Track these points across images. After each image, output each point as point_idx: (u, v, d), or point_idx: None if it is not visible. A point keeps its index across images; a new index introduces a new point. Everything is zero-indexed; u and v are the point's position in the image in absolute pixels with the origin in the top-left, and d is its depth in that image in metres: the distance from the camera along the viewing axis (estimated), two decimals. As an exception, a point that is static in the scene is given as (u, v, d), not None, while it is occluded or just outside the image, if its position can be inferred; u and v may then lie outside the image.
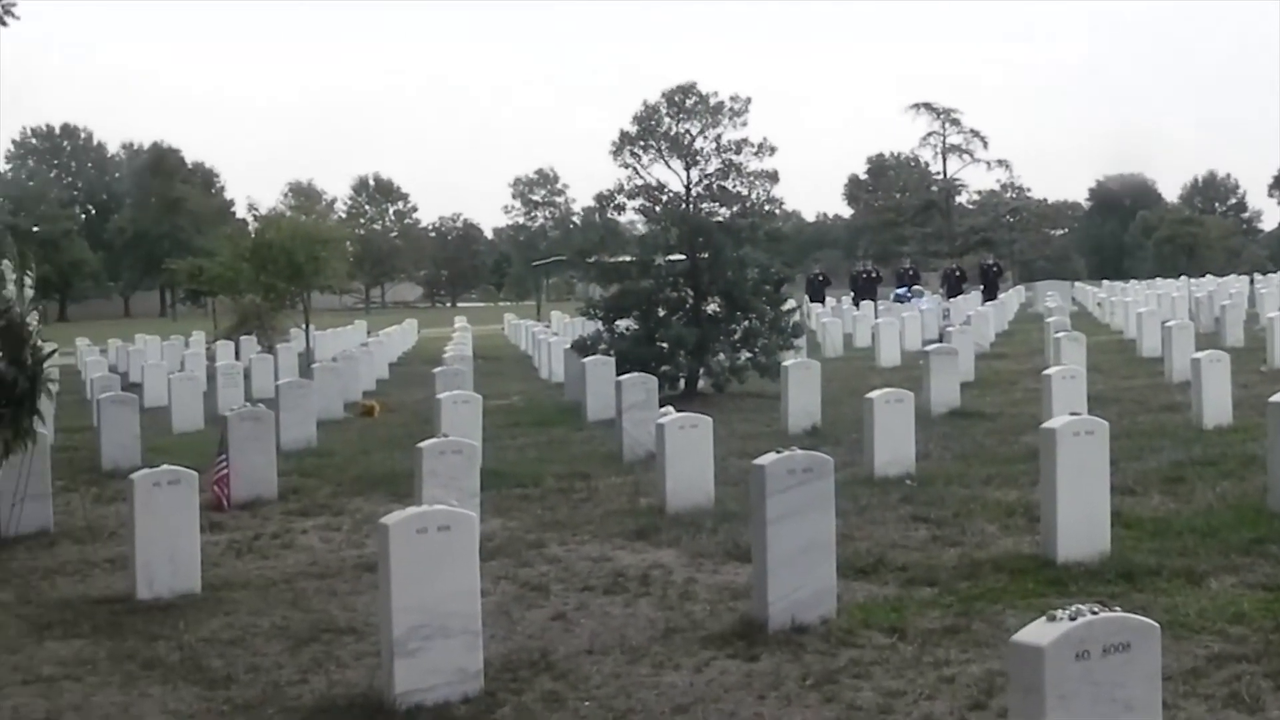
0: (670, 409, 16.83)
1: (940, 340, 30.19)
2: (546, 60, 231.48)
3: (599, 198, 29.23)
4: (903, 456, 16.40)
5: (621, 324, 27.69)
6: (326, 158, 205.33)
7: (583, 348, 27.32)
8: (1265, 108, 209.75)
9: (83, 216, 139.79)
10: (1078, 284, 72.12)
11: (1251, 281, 60.29)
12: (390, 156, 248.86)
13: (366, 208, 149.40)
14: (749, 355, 26.71)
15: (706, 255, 27.32)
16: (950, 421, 21.11)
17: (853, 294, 60.63)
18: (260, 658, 9.85)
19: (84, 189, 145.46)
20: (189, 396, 26.79)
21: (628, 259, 29.00)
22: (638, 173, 28.20)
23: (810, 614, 9.83)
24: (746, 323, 27.24)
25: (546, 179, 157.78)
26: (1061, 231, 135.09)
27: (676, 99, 27.89)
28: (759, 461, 10.04)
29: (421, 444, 13.27)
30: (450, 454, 13.12)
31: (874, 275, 63.31)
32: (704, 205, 28.22)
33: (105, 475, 19.57)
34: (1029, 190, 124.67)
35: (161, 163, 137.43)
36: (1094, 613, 5.69)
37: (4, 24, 57.51)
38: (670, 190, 28.18)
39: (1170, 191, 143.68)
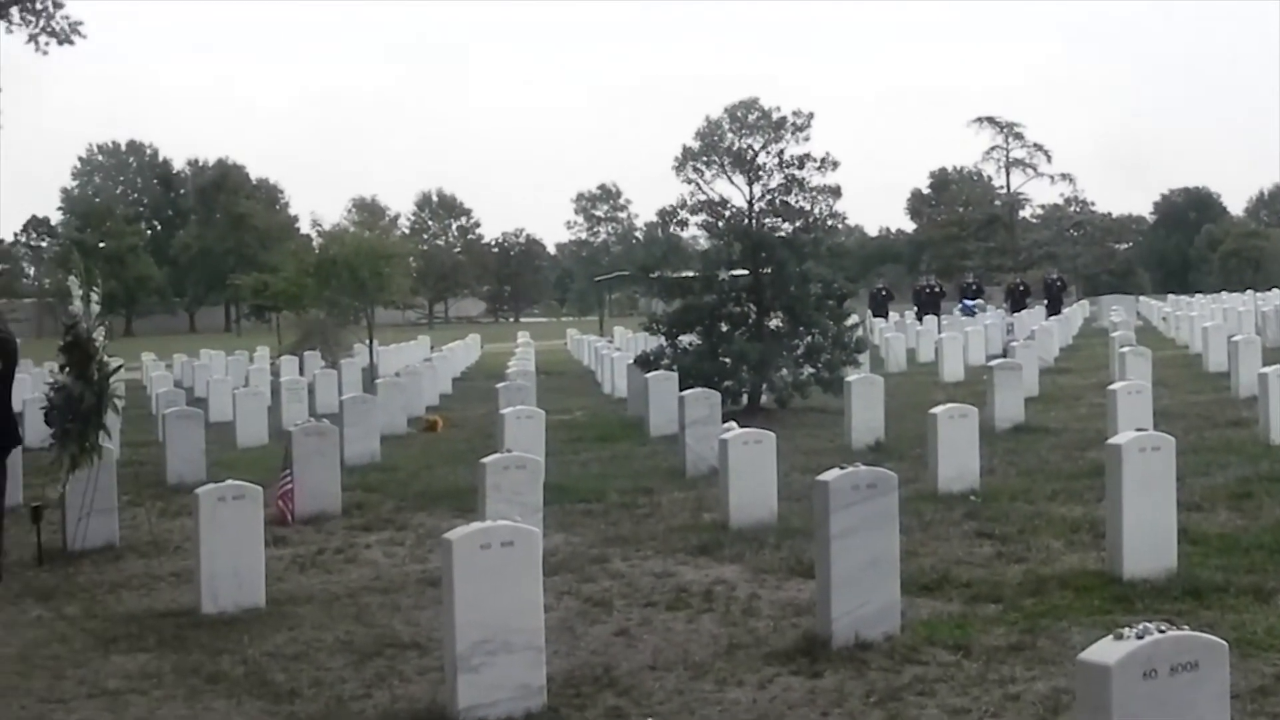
0: (733, 424, 16.82)
1: (1004, 355, 30.05)
2: (608, 75, 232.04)
3: (662, 213, 29.30)
4: (967, 472, 16.31)
5: (684, 339, 27.66)
6: (390, 173, 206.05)
7: (645, 363, 27.30)
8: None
9: (148, 232, 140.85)
10: (1142, 298, 71.56)
11: (1319, 295, 59.74)
12: (453, 172, 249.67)
13: (430, 223, 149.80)
14: (812, 370, 26.62)
15: (769, 270, 27.27)
16: (1014, 437, 20.99)
17: (916, 309, 60.37)
18: (324, 672, 9.88)
19: (150, 205, 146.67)
20: (254, 411, 26.89)
21: (690, 274, 28.98)
22: (700, 188, 28.28)
23: (874, 630, 9.78)
24: (809, 338, 27.16)
25: (609, 194, 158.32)
26: (1126, 245, 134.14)
27: (739, 114, 27.93)
28: (822, 477, 10.00)
29: (485, 459, 13.28)
30: (513, 469, 13.13)
31: (937, 290, 62.98)
32: (766, 220, 28.19)
33: (170, 490, 19.66)
34: (1093, 204, 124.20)
35: (226, 179, 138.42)
36: (1161, 631, 5.64)
37: (71, 42, 58.53)
38: (733, 205, 28.21)
39: (1236, 204, 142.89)
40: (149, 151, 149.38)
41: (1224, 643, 5.83)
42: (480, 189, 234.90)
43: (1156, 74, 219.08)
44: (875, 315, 55.98)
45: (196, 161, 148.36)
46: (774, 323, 27.58)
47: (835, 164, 27.85)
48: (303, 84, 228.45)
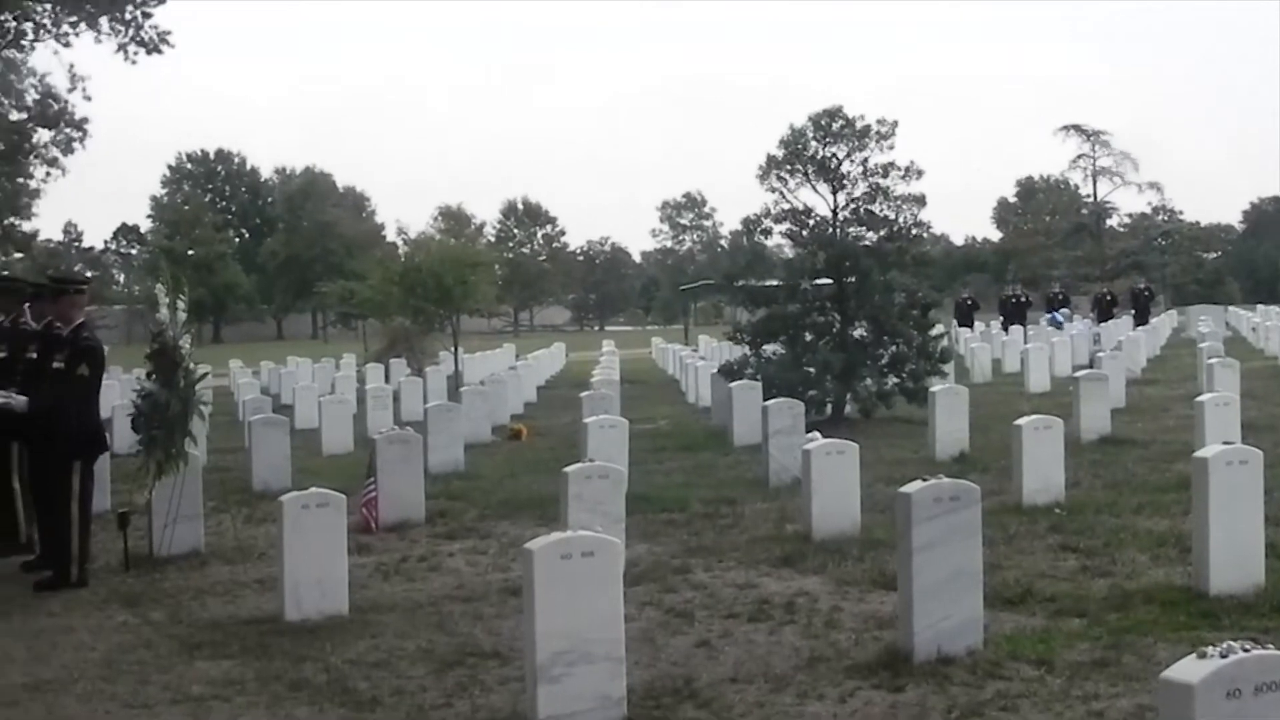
0: (817, 434, 16.74)
1: (1091, 366, 29.81)
2: (693, 84, 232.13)
3: (746, 222, 29.32)
4: (1052, 484, 16.17)
5: (768, 348, 27.66)
6: (476, 181, 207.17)
7: (729, 372, 27.28)
8: None
9: (236, 240, 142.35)
10: (1231, 308, 70.75)
11: None
12: (539, 180, 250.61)
13: (515, 231, 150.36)
14: (896, 381, 26.56)
15: (853, 279, 27.20)
16: (1100, 449, 20.81)
17: (1002, 318, 59.99)
18: (405, 680, 9.91)
19: (238, 213, 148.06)
20: (339, 419, 26.97)
21: (774, 283, 28.96)
22: (784, 197, 28.21)
23: (956, 644, 9.71)
24: (894, 348, 27.10)
25: (694, 202, 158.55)
26: (1214, 255, 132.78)
27: (823, 122, 27.84)
28: (905, 489, 9.94)
29: (568, 468, 13.25)
30: (596, 478, 13.09)
31: (1023, 299, 62.55)
32: (851, 229, 28.11)
33: (256, 496, 19.81)
34: (1181, 213, 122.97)
35: (313, 186, 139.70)
36: (1245, 650, 5.57)
37: (159, 51, 59.18)
38: (817, 214, 28.13)
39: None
40: (237, 160, 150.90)
41: (1310, 663, 5.76)
42: (566, 197, 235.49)
43: (1245, 80, 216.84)
44: (960, 325, 55.65)
45: (284, 169, 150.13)
46: (858, 332, 27.52)
47: (920, 172, 27.74)
48: (389, 92, 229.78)
